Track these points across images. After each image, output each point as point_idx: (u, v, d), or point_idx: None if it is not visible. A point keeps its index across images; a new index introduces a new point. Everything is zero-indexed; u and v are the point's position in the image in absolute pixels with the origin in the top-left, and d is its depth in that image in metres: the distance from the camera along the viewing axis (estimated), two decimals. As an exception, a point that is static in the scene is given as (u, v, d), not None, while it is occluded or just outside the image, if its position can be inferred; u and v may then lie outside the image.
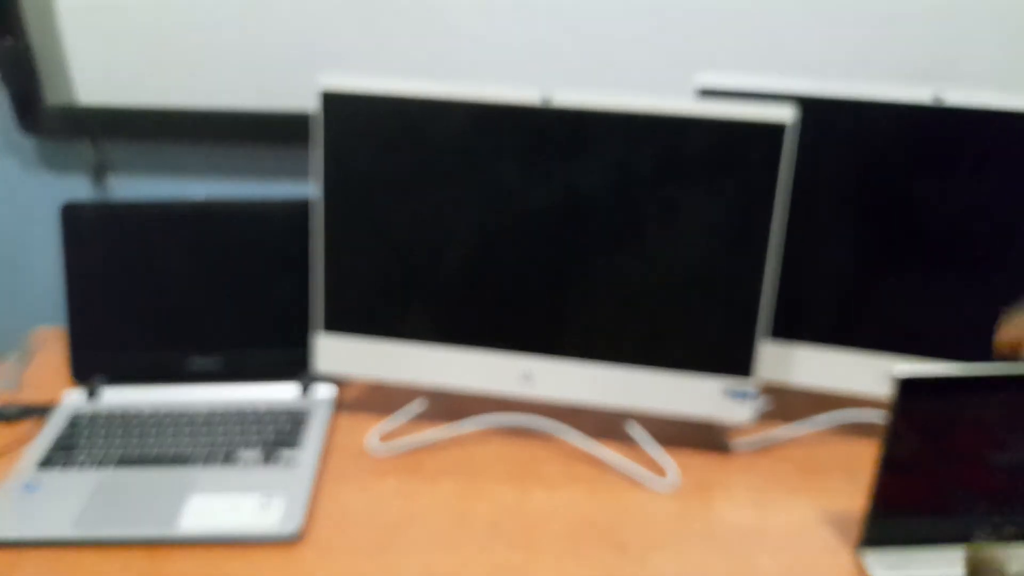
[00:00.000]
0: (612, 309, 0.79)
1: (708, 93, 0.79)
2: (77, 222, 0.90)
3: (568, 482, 0.81)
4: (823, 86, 0.78)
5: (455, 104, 0.76)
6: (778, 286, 0.83)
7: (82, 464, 0.80)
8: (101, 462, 0.80)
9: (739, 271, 0.76)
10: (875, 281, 0.81)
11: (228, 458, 0.81)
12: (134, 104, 1.00)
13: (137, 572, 0.70)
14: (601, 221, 0.77)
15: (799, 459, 0.85)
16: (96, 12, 0.95)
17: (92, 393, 0.91)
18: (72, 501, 0.76)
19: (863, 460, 0.84)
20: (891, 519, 0.71)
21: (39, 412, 0.89)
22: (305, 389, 0.92)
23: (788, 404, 0.93)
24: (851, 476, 0.82)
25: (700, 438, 0.87)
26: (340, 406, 0.92)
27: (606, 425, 0.89)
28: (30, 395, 0.94)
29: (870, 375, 0.84)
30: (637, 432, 0.84)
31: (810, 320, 0.84)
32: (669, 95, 0.74)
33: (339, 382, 0.95)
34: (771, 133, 0.73)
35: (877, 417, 0.87)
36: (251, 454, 0.82)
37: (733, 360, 0.78)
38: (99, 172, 1.06)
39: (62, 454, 0.82)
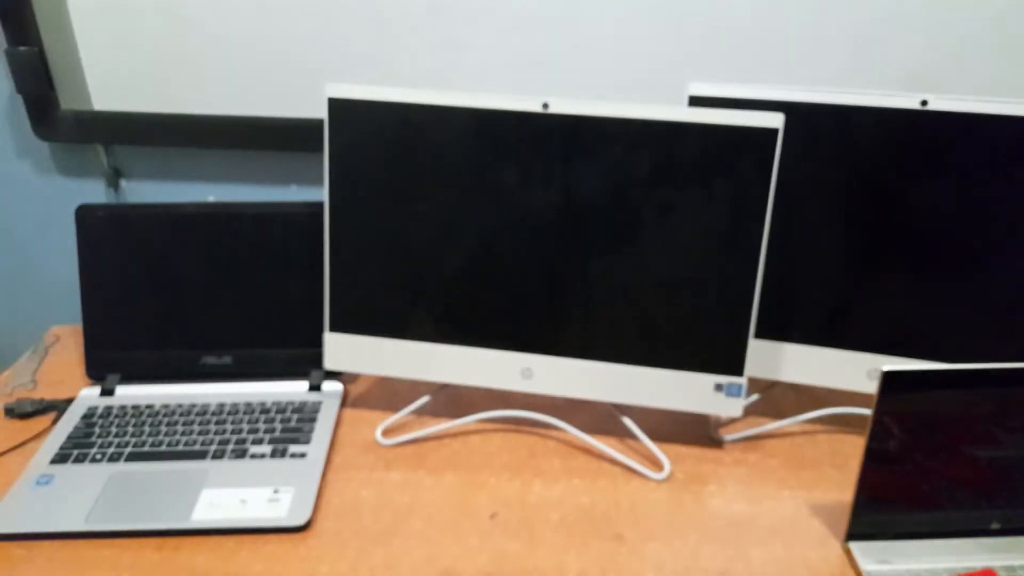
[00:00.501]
0: (608, 308, 0.81)
1: (700, 101, 0.81)
2: (92, 224, 0.91)
3: (566, 474, 0.82)
4: (811, 94, 0.79)
5: (457, 111, 0.78)
6: (769, 287, 0.84)
7: (95, 459, 0.81)
8: (114, 457, 0.82)
9: (731, 272, 0.78)
10: (862, 282, 0.83)
11: (238, 453, 0.82)
12: (147, 110, 1.01)
13: (149, 564, 0.70)
14: (598, 224, 0.79)
15: (788, 453, 0.86)
16: (110, 20, 0.97)
17: (106, 390, 0.92)
18: (85, 495, 0.77)
19: (850, 454, 0.86)
20: (878, 512, 0.72)
21: (54, 409, 0.91)
22: (313, 386, 0.93)
23: (777, 400, 0.95)
24: (839, 470, 0.83)
25: (693, 433, 0.89)
26: (347, 402, 0.93)
27: (603, 420, 0.90)
28: (45, 392, 0.95)
29: (857, 372, 0.85)
30: (632, 427, 0.86)
31: (799, 320, 0.85)
32: (663, 103, 0.75)
33: (346, 379, 0.97)
34: (761, 138, 0.74)
35: (863, 412, 0.88)
36: (261, 448, 0.83)
37: (725, 358, 0.80)
38: (113, 176, 1.07)
39: (76, 449, 0.83)
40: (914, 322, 0.83)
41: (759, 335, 0.87)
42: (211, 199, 1.04)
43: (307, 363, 0.94)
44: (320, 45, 0.97)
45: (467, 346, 0.84)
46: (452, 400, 0.94)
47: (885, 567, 0.70)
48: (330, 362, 0.87)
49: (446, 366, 0.85)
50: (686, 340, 0.80)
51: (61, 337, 1.07)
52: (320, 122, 1.00)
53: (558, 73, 0.97)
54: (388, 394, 0.95)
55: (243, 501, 0.76)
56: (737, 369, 0.80)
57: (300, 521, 0.74)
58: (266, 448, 0.83)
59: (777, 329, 0.86)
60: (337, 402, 0.91)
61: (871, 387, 0.85)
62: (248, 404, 0.90)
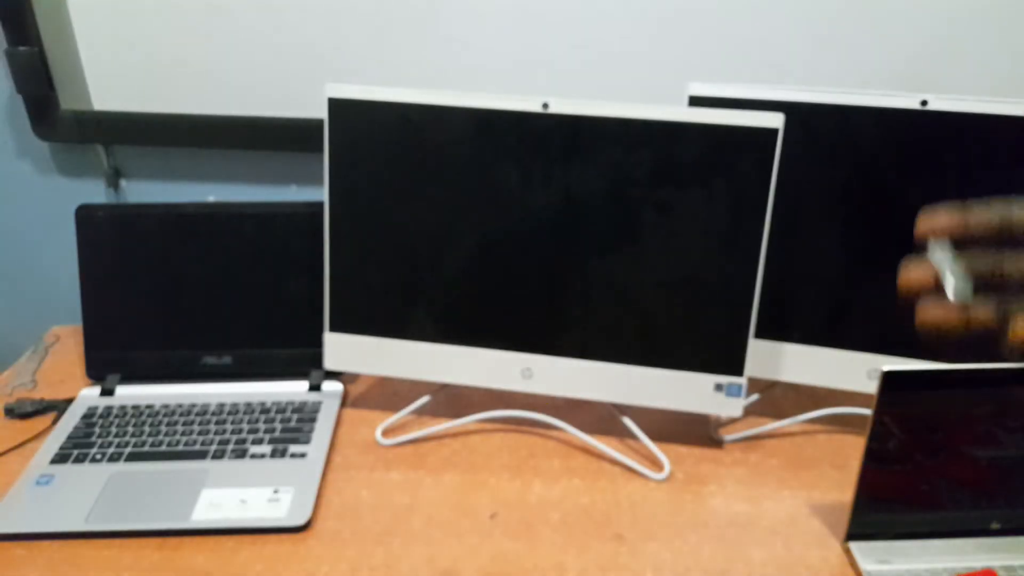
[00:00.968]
0: (608, 308, 0.81)
1: (699, 101, 0.81)
2: (91, 224, 0.91)
3: (566, 474, 0.82)
4: (811, 94, 0.79)
5: (457, 111, 0.78)
6: (769, 287, 0.84)
7: (95, 459, 0.81)
8: (114, 457, 0.82)
9: (731, 272, 0.78)
10: (862, 282, 0.83)
11: (238, 453, 0.83)
12: (147, 110, 1.01)
13: (149, 564, 0.70)
14: (598, 224, 0.79)
15: (788, 453, 0.86)
16: (110, 20, 0.97)
17: (106, 390, 0.92)
18: (85, 495, 0.77)
19: (850, 454, 0.86)
20: (878, 512, 0.72)
21: (54, 409, 0.91)
22: (313, 386, 0.94)
23: (777, 400, 0.95)
24: (839, 470, 0.83)
25: (693, 433, 0.89)
26: (347, 402, 0.94)
27: (603, 420, 0.90)
28: (45, 392, 0.95)
29: (857, 372, 0.85)
30: (632, 427, 0.86)
31: (799, 320, 0.85)
32: (663, 103, 0.75)
33: (346, 379, 0.97)
34: (761, 138, 0.74)
35: (864, 412, 0.88)
36: (261, 448, 0.83)
37: (725, 358, 0.80)
38: (113, 176, 1.07)
39: (76, 449, 0.83)
40: (914, 322, 0.83)
41: (759, 335, 0.87)
42: (211, 199, 1.04)
43: (307, 363, 0.94)
44: (320, 45, 0.97)
45: (467, 346, 0.84)
46: (452, 400, 0.94)
47: (885, 567, 0.70)
48: (330, 362, 0.88)
49: (446, 366, 0.85)
50: (686, 340, 0.80)
51: (61, 337, 1.07)
52: (320, 122, 1.00)
53: (558, 73, 0.97)
54: (388, 394, 0.95)
55: (243, 501, 0.76)
56: (737, 369, 0.80)
57: (300, 521, 0.74)
58: (266, 448, 0.83)
59: (777, 329, 0.86)
60: (337, 402, 0.91)
61: (871, 387, 0.85)
62: (248, 404, 0.90)
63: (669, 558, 0.72)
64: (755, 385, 0.95)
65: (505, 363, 0.84)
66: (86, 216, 0.91)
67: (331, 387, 0.94)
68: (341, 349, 0.87)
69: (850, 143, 0.80)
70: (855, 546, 0.73)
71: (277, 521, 0.74)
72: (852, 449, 0.87)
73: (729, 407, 0.81)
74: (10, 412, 0.91)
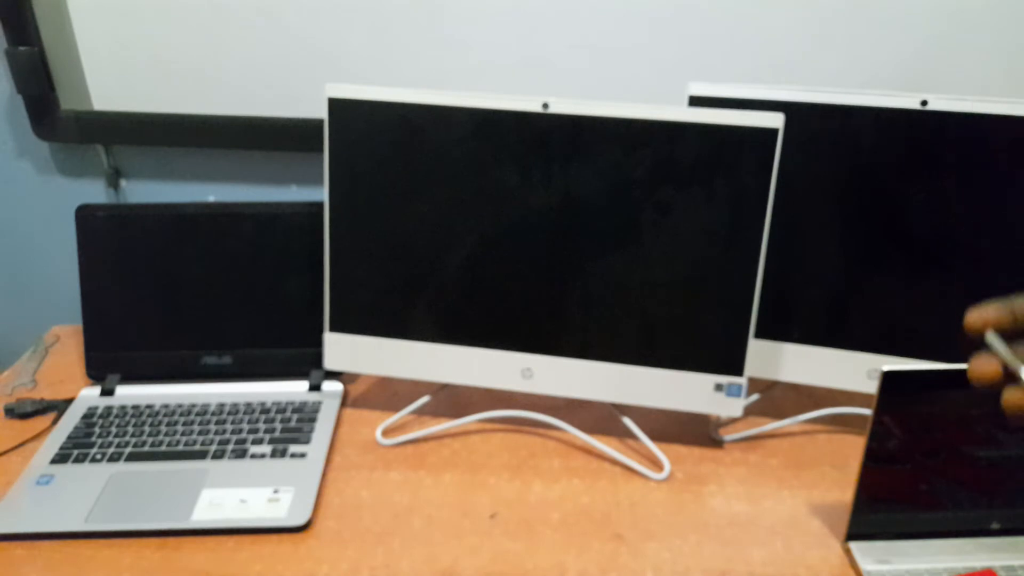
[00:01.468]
0: (608, 308, 0.81)
1: (699, 101, 0.81)
2: (92, 224, 0.91)
3: (566, 474, 0.82)
4: (811, 94, 0.79)
5: (457, 111, 0.78)
6: (769, 286, 0.84)
7: (96, 459, 0.81)
8: (114, 457, 0.82)
9: (731, 272, 0.78)
10: (862, 282, 0.83)
11: (238, 453, 0.83)
12: (147, 110, 1.01)
13: (149, 564, 0.70)
14: (598, 223, 0.79)
15: (788, 453, 0.86)
16: (110, 20, 0.97)
17: (106, 390, 0.92)
18: (85, 495, 0.77)
19: (850, 454, 0.86)
20: (878, 512, 0.72)
21: (54, 409, 0.91)
22: (313, 386, 0.94)
23: (777, 400, 0.95)
24: (839, 470, 0.83)
25: (693, 433, 0.89)
26: (347, 402, 0.94)
27: (603, 420, 0.90)
28: (46, 392, 0.95)
29: (857, 372, 0.85)
30: (632, 427, 0.86)
31: (799, 320, 0.85)
32: (663, 103, 0.75)
33: (346, 379, 0.97)
34: (761, 138, 0.74)
35: (864, 412, 0.88)
36: (261, 448, 0.83)
37: (725, 358, 0.80)
38: (113, 176, 1.07)
39: (76, 449, 0.83)
40: (914, 322, 0.83)
41: (759, 335, 0.87)
42: (211, 199, 1.04)
43: (307, 363, 0.94)
44: (320, 45, 0.97)
45: (467, 346, 0.84)
46: (452, 400, 0.94)
47: (885, 567, 0.70)
48: (330, 362, 0.88)
49: (446, 366, 0.85)
50: (686, 340, 0.80)
51: (61, 337, 1.07)
52: (320, 122, 1.00)
53: (558, 73, 0.97)
54: (388, 394, 0.95)
55: (243, 501, 0.76)
56: (737, 369, 0.80)
57: (300, 521, 0.74)
58: (266, 448, 0.83)
59: (777, 329, 0.86)
60: (337, 402, 0.92)
61: (871, 387, 0.85)
62: (248, 404, 0.90)
63: (669, 558, 0.72)
64: (755, 385, 0.95)
65: (505, 363, 0.84)
66: (86, 216, 0.91)
67: (331, 387, 0.94)
68: (341, 349, 0.87)
69: (850, 143, 0.80)
70: (855, 546, 0.73)
71: (277, 521, 0.74)
72: (852, 449, 0.87)
73: (729, 407, 0.81)
74: (10, 412, 0.91)
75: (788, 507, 0.78)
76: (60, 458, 0.82)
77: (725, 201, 0.76)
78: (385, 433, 0.88)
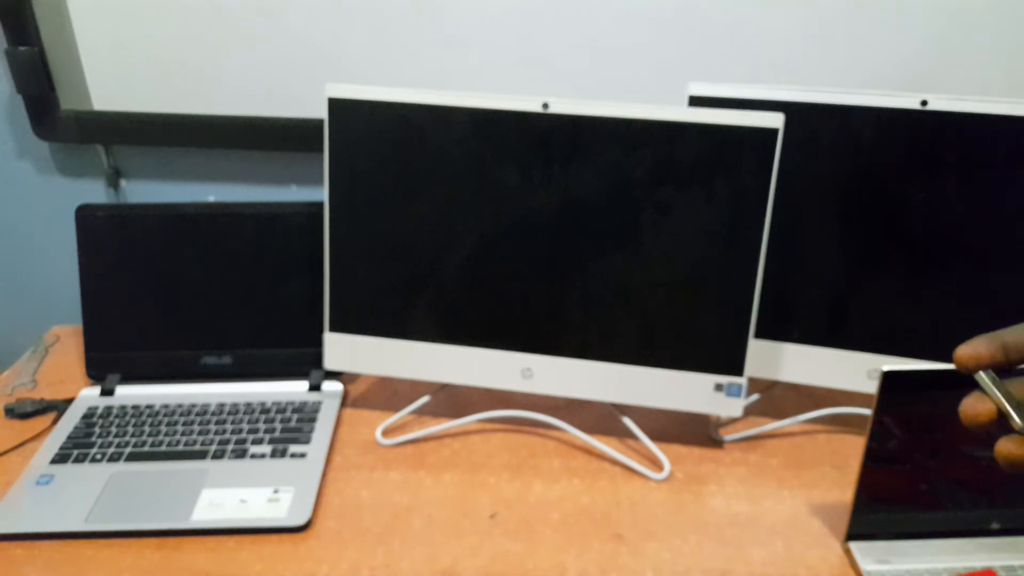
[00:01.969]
0: (608, 308, 0.81)
1: (699, 101, 0.81)
2: (92, 224, 0.91)
3: (566, 474, 0.82)
4: (811, 94, 0.79)
5: (457, 111, 0.78)
6: (769, 286, 0.84)
7: (95, 459, 0.81)
8: (114, 457, 0.82)
9: (731, 272, 0.78)
10: (862, 282, 0.83)
11: (238, 453, 0.83)
12: (147, 110, 1.01)
13: (149, 564, 0.71)
14: (598, 224, 0.79)
15: (788, 453, 0.86)
16: (110, 20, 0.97)
17: (106, 390, 0.92)
18: (85, 495, 0.77)
19: (850, 454, 0.86)
20: (878, 512, 0.72)
21: (54, 409, 0.91)
22: (313, 386, 0.94)
23: (777, 400, 0.95)
24: (839, 470, 0.83)
25: (693, 433, 0.89)
26: (347, 402, 0.94)
27: (603, 420, 0.91)
28: (45, 392, 0.95)
29: (857, 372, 0.85)
30: (632, 427, 0.86)
31: (799, 320, 0.85)
32: (663, 103, 0.75)
33: (346, 379, 0.97)
34: (761, 138, 0.74)
35: (864, 412, 0.88)
36: (261, 448, 0.83)
37: (725, 358, 0.80)
38: (113, 176, 1.07)
39: (76, 449, 0.83)
40: (914, 322, 0.83)
41: (759, 335, 0.87)
42: (211, 199, 1.04)
43: (307, 363, 0.94)
44: (320, 45, 0.97)
45: (467, 346, 0.84)
46: (452, 400, 0.94)
47: (885, 567, 0.70)
48: (330, 362, 0.88)
49: (446, 366, 0.85)
50: (686, 340, 0.80)
51: (61, 337, 1.07)
52: (320, 122, 1.00)
53: (558, 73, 0.97)
54: (388, 394, 0.95)
55: (243, 501, 0.76)
56: (737, 369, 0.80)
57: (300, 521, 0.74)
58: (266, 448, 0.83)
59: (777, 329, 0.86)
60: (337, 402, 0.92)
61: (871, 387, 0.85)
62: (248, 404, 0.90)
63: (669, 558, 0.72)
64: (755, 385, 0.95)
65: (505, 363, 0.84)
66: (86, 216, 0.91)
67: (331, 387, 0.94)
68: (341, 349, 0.87)
69: (850, 143, 0.80)
70: (855, 546, 0.73)
71: (277, 521, 0.74)
72: (852, 449, 0.87)
73: (729, 407, 0.81)
74: (10, 412, 0.91)
75: (788, 507, 0.78)
76: (60, 458, 0.82)
77: (725, 201, 0.76)
78: (385, 433, 0.88)
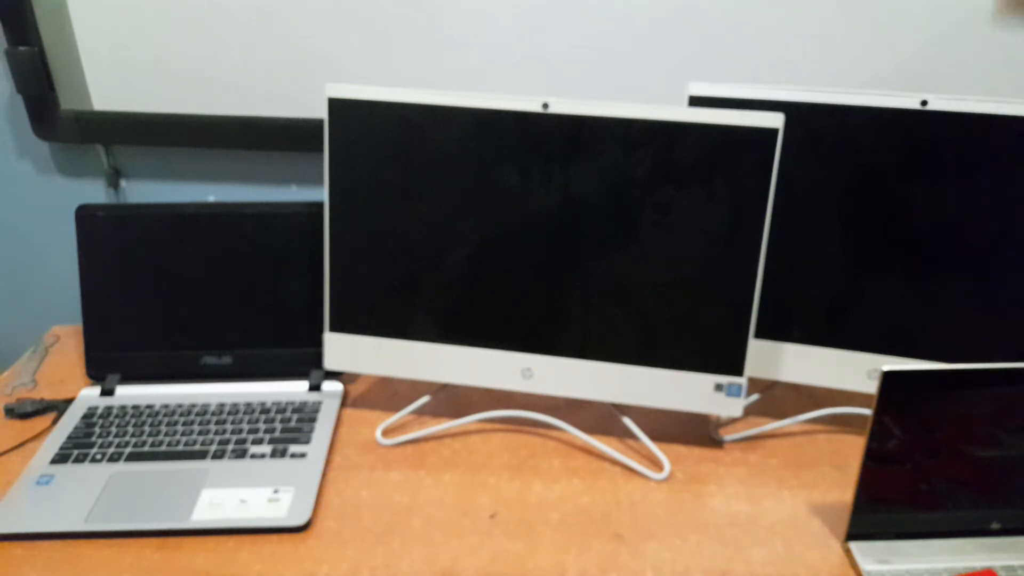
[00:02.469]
0: (608, 308, 0.81)
1: (699, 101, 0.81)
2: (92, 224, 0.91)
3: (566, 474, 0.82)
4: (811, 94, 0.79)
5: (457, 111, 0.78)
6: (769, 286, 0.84)
7: (95, 459, 0.81)
8: (114, 457, 0.82)
9: (731, 272, 0.78)
10: (862, 282, 0.83)
11: (238, 453, 0.83)
12: (147, 110, 1.01)
13: (149, 564, 0.71)
14: (598, 224, 0.79)
15: (788, 453, 0.86)
16: (110, 20, 0.97)
17: (106, 390, 0.92)
18: (85, 495, 0.77)
19: (850, 454, 0.86)
20: (878, 512, 0.72)
21: (54, 409, 0.91)
22: (313, 386, 0.94)
23: (777, 400, 0.95)
24: (839, 470, 0.83)
25: (693, 433, 0.89)
26: (347, 402, 0.94)
27: (603, 420, 0.90)
28: (45, 392, 0.95)
29: (857, 372, 0.85)
30: (632, 427, 0.86)
31: (799, 320, 0.85)
32: (663, 103, 0.75)
33: (346, 379, 0.97)
34: (761, 138, 0.74)
35: (864, 412, 0.88)
36: (261, 448, 0.83)
37: (725, 358, 0.80)
38: (113, 176, 1.07)
39: (76, 449, 0.83)
40: (914, 322, 0.83)
41: (759, 335, 0.87)
42: (211, 199, 1.04)
43: (307, 363, 0.94)
44: (320, 45, 0.97)
45: (467, 346, 0.84)
46: (452, 400, 0.94)
47: (885, 567, 0.70)
48: (330, 362, 0.88)
49: (446, 366, 0.85)
50: (686, 340, 0.80)
51: (61, 337, 1.07)
52: (320, 122, 1.00)
53: (558, 73, 0.97)
54: (388, 394, 0.95)
55: (243, 501, 0.76)
56: (737, 369, 0.80)
57: (300, 521, 0.74)
58: (266, 448, 0.83)
59: (777, 329, 0.86)
60: (337, 402, 0.92)
61: (871, 387, 0.85)
62: (248, 404, 0.90)
63: (669, 558, 0.72)
64: (755, 385, 0.95)
65: (505, 363, 0.84)
66: (86, 216, 0.91)
67: (331, 387, 0.94)
68: (341, 349, 0.87)
69: (850, 143, 0.80)
70: (855, 546, 0.73)
71: (277, 521, 0.74)
72: (852, 449, 0.87)
73: (729, 407, 0.81)
74: (10, 412, 0.91)
75: (788, 507, 0.78)
76: (60, 458, 0.82)
77: (725, 201, 0.76)
78: (385, 433, 0.88)
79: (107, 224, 0.91)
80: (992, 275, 0.80)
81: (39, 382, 0.98)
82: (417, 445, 0.87)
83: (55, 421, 0.89)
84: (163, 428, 0.86)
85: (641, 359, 0.82)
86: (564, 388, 0.84)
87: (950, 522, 0.73)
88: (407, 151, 0.80)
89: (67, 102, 1.01)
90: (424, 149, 0.80)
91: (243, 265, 0.92)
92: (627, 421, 0.87)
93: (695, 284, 0.79)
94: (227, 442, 0.84)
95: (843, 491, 0.81)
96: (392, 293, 0.84)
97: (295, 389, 0.93)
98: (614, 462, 0.84)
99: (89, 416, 0.88)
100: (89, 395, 0.92)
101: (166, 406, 0.90)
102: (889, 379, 0.68)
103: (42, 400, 0.92)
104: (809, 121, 0.80)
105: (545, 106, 0.77)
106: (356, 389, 0.96)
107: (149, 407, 0.89)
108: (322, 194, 0.82)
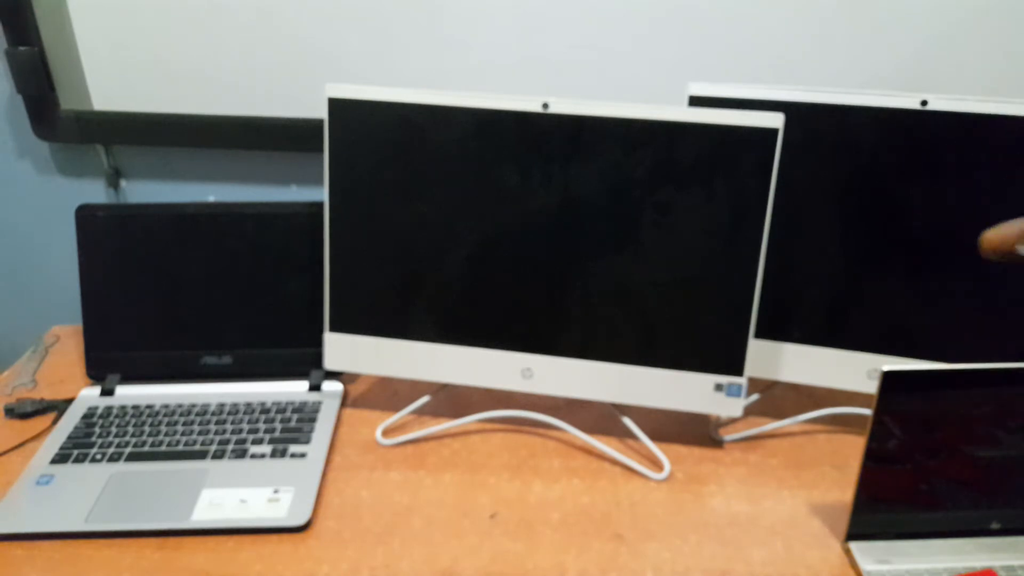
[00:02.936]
0: (608, 308, 0.81)
1: (699, 101, 0.81)
2: (92, 224, 0.91)
3: (566, 474, 0.82)
4: (811, 94, 0.79)
5: (457, 111, 0.78)
6: (769, 287, 0.84)
7: (95, 459, 0.81)
8: (114, 457, 0.82)
9: (731, 272, 0.78)
10: (862, 282, 0.83)
11: (238, 453, 0.83)
12: (147, 110, 1.01)
13: (149, 564, 0.71)
14: (598, 224, 0.79)
15: (788, 453, 0.86)
16: (110, 20, 0.97)
17: (106, 390, 0.92)
18: (85, 495, 0.77)
19: (850, 454, 0.86)
20: (878, 512, 0.72)
21: (54, 408, 0.91)
22: (313, 386, 0.94)
23: (777, 400, 0.95)
24: (839, 470, 0.83)
25: (693, 433, 0.89)
26: (347, 402, 0.94)
27: (603, 420, 0.90)
28: (45, 392, 0.95)
29: (857, 372, 0.85)
30: (632, 427, 0.86)
31: (799, 320, 0.85)
32: (663, 103, 0.75)
33: (346, 379, 0.97)
34: (761, 138, 0.74)
35: (864, 412, 0.88)
36: (261, 448, 0.83)
37: (725, 358, 0.80)
38: (113, 176, 1.07)
39: (76, 449, 0.83)
40: (914, 322, 0.83)
41: (759, 335, 0.87)
42: (211, 199, 1.04)
43: (307, 363, 0.94)
44: (320, 45, 0.97)
45: (467, 346, 0.84)
46: (452, 400, 0.94)
47: (885, 567, 0.70)
48: (330, 362, 0.88)
49: (446, 366, 0.85)
50: (686, 340, 0.80)
51: (61, 337, 1.07)
52: (320, 122, 1.00)
53: (558, 73, 0.97)
54: (388, 394, 0.95)
55: (243, 501, 0.76)
56: (737, 369, 0.80)
57: (300, 521, 0.74)
58: (266, 448, 0.83)
59: (777, 329, 0.86)
60: (337, 402, 0.92)
61: (871, 387, 0.85)
62: (248, 404, 0.90)
63: (669, 558, 0.72)
64: (755, 385, 0.95)
65: (505, 363, 0.84)
66: (86, 216, 0.91)
67: (331, 387, 0.94)
68: (341, 349, 0.87)
69: (850, 143, 0.80)
70: (855, 546, 0.73)
71: (277, 521, 0.74)
72: (852, 449, 0.87)
73: (729, 407, 0.81)
74: (10, 412, 0.91)
75: (788, 507, 0.78)
76: (60, 458, 0.82)
77: (725, 201, 0.76)
78: (385, 433, 0.88)
79: (107, 224, 0.91)
80: (992, 275, 0.80)
81: (39, 382, 0.98)
82: (417, 445, 0.87)
83: (55, 421, 0.89)
84: (163, 428, 0.86)
85: (641, 359, 0.82)
86: (564, 388, 0.84)
87: (950, 522, 0.73)
88: (407, 151, 0.80)
89: (67, 102, 1.01)
90: (424, 149, 0.80)
91: (243, 265, 0.92)
92: (627, 421, 0.87)
93: (695, 284, 0.79)
94: (227, 442, 0.84)
95: (843, 491, 0.81)
96: (392, 293, 0.84)
97: (295, 389, 0.93)
98: (614, 462, 0.84)
99: (89, 416, 0.88)
100: (89, 395, 0.92)
101: (166, 406, 0.90)
102: (889, 379, 0.68)
103: (42, 400, 0.92)
104: (809, 121, 0.80)
105: (545, 106, 0.77)
106: (356, 389, 0.96)
107: (149, 407, 0.89)
108: (322, 194, 0.82)
